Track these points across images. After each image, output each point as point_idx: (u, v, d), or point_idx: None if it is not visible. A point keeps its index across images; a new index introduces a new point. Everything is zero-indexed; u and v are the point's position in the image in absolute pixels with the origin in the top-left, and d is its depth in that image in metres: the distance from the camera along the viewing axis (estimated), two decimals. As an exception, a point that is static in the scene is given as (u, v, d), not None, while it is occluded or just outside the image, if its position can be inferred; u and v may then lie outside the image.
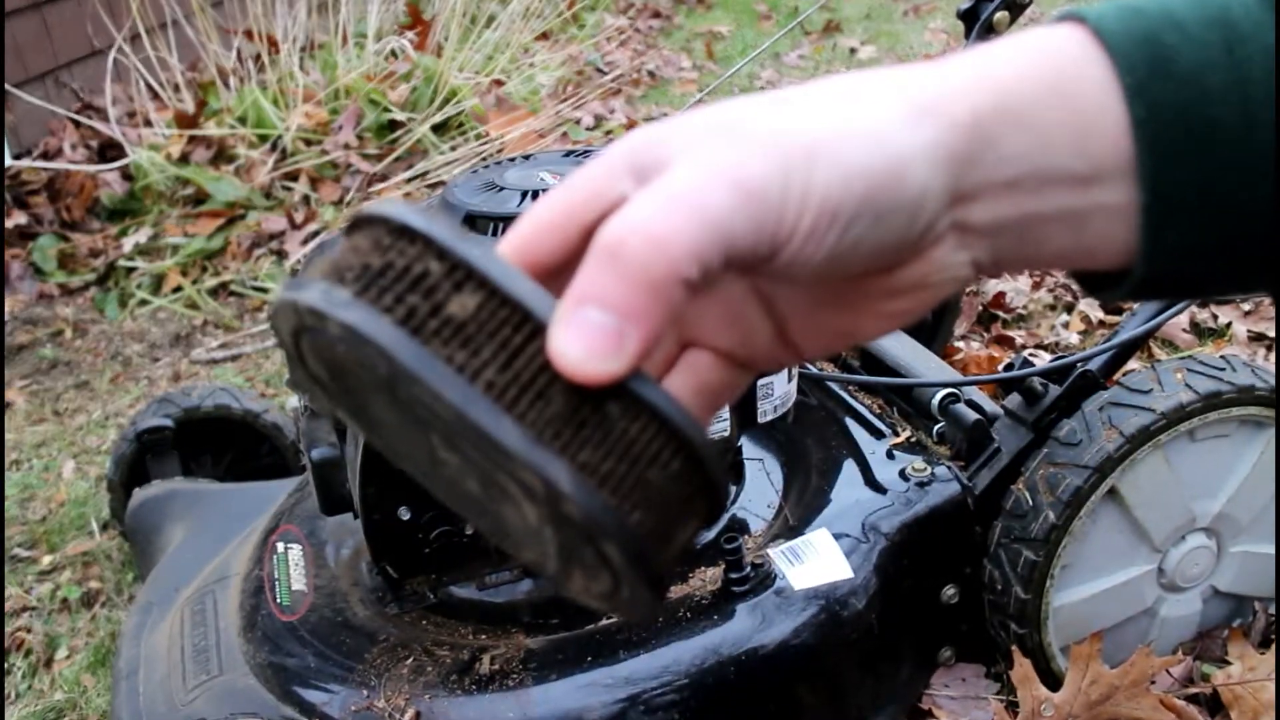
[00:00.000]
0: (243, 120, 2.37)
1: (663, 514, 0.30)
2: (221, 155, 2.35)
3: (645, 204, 0.29)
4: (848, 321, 0.36)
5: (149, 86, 2.50)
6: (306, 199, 2.26)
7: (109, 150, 2.41)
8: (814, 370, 1.14)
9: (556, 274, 0.32)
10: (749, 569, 0.90)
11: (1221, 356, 0.98)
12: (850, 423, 1.06)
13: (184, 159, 2.33)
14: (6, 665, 1.22)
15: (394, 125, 2.41)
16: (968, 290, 1.74)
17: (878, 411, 1.08)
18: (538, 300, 0.29)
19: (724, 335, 0.36)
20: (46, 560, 1.39)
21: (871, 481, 0.98)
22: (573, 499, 0.28)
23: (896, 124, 0.31)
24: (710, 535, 0.98)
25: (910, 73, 0.33)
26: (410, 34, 2.75)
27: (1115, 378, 0.99)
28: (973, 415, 1.00)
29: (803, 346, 0.37)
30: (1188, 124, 0.31)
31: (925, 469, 0.97)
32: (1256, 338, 1.58)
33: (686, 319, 0.36)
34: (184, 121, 2.38)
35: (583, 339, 0.28)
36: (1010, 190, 0.32)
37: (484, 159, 2.35)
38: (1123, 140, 0.32)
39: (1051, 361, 1.01)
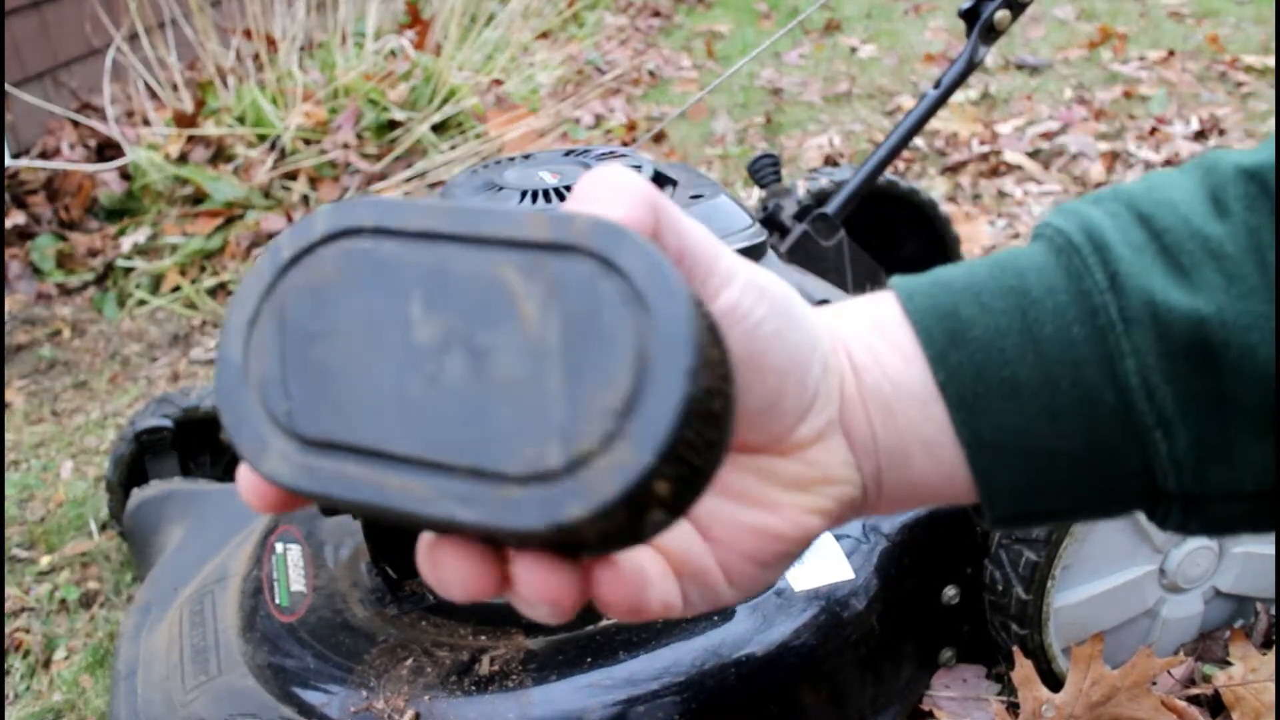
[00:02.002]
0: (241, 120, 2.37)
1: None
2: (220, 155, 2.35)
3: None
4: (754, 519, 0.37)
5: (147, 86, 2.49)
6: (305, 199, 2.26)
7: (107, 150, 2.41)
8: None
9: None
10: (749, 570, 0.90)
11: (1223, 356, 0.97)
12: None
13: (182, 158, 2.32)
14: (5, 666, 1.22)
15: (393, 124, 2.41)
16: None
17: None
18: None
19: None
20: (45, 561, 1.39)
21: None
22: None
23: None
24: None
25: None
26: (409, 33, 2.74)
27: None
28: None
29: (722, 552, 0.37)
30: (987, 384, 0.35)
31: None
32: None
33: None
34: (182, 121, 2.37)
35: None
36: (880, 409, 0.36)
37: (483, 158, 2.34)
38: (936, 399, 0.36)
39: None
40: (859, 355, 0.37)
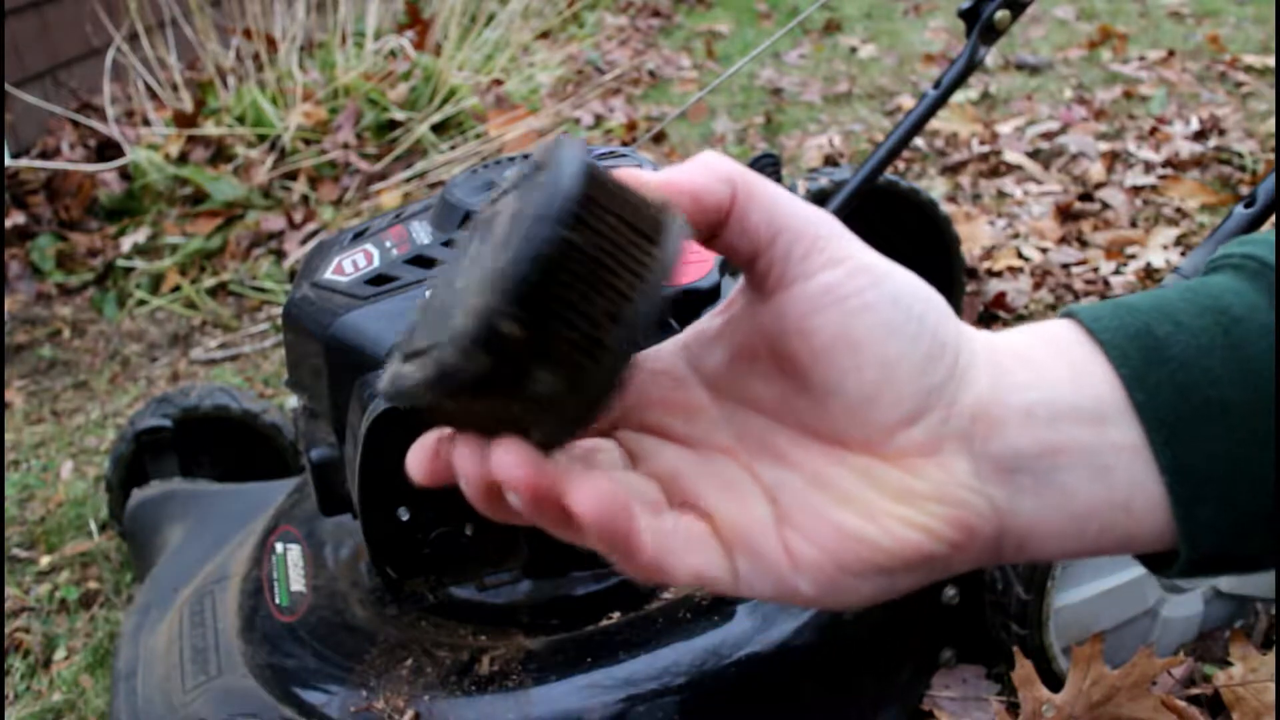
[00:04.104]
0: (241, 119, 2.36)
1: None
2: (220, 155, 2.35)
3: None
4: (842, 516, 0.35)
5: (147, 86, 2.49)
6: (305, 198, 2.26)
7: (107, 149, 2.41)
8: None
9: None
10: (749, 570, 0.90)
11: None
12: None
13: (182, 158, 2.32)
14: (5, 666, 1.22)
15: (393, 124, 2.41)
16: (969, 290, 1.74)
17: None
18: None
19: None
20: (45, 561, 1.39)
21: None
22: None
23: None
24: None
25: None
26: (409, 33, 2.74)
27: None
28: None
29: (799, 541, 0.35)
30: (1191, 405, 0.32)
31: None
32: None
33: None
34: (182, 121, 2.37)
35: None
36: (1027, 419, 0.33)
37: (483, 158, 2.34)
38: (1133, 425, 0.33)
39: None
40: (1018, 373, 0.34)
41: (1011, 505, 0.33)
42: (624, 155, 0.93)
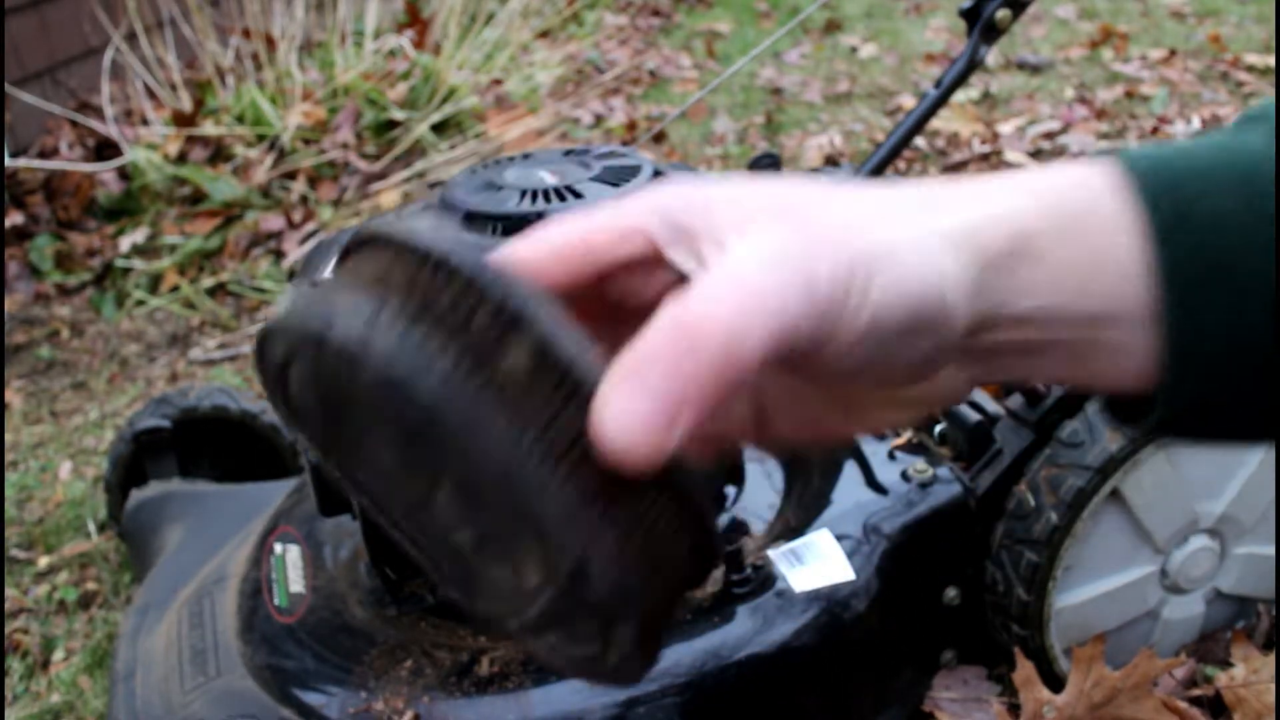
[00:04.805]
0: (240, 119, 2.36)
1: (673, 592, 0.30)
2: (219, 154, 2.34)
3: (724, 293, 0.29)
4: (835, 421, 0.36)
5: (146, 85, 2.49)
6: (305, 198, 2.25)
7: (106, 149, 2.40)
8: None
9: (563, 301, 0.32)
10: (749, 571, 0.90)
11: (1225, 357, 0.97)
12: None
13: (181, 158, 2.32)
14: (4, 667, 1.22)
15: (392, 124, 2.41)
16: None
17: (879, 412, 1.07)
18: (585, 361, 0.27)
19: None
20: (43, 561, 1.38)
21: (873, 482, 0.98)
22: (600, 585, 0.27)
23: (939, 249, 0.32)
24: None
25: (940, 197, 0.33)
26: (409, 32, 2.74)
27: (1118, 378, 0.98)
28: (975, 416, 0.99)
29: (779, 433, 0.37)
30: (1212, 271, 0.32)
31: (927, 470, 0.97)
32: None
33: None
34: (181, 120, 2.37)
35: (630, 419, 0.27)
36: (1019, 324, 0.33)
37: (483, 158, 2.34)
38: (1140, 286, 0.32)
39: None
40: (1018, 274, 0.33)
41: (984, 375, 0.35)
42: (624, 155, 0.93)
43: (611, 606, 0.27)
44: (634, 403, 0.27)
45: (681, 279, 0.32)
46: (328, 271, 0.30)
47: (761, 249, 0.30)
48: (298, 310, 0.28)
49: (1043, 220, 0.33)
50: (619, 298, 0.34)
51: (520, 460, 0.26)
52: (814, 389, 0.35)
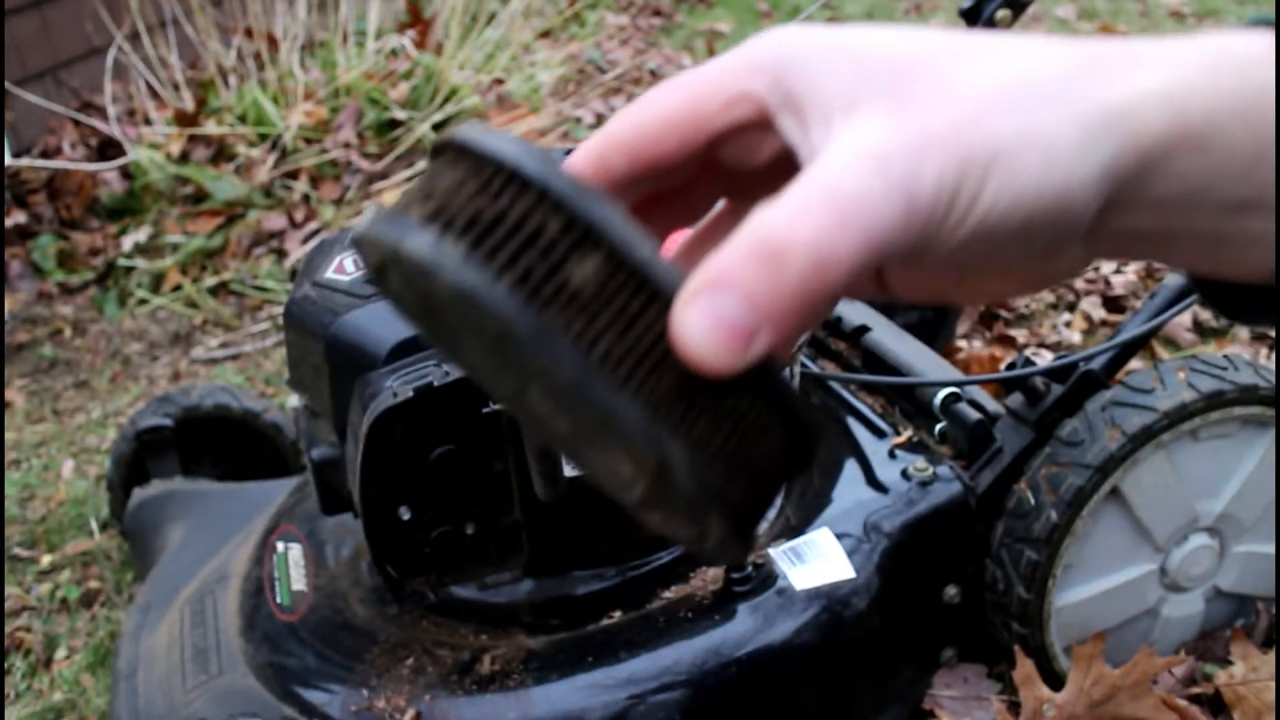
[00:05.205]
0: (242, 119, 2.36)
1: (767, 482, 0.30)
2: (221, 154, 2.34)
3: (814, 206, 0.27)
4: (947, 289, 0.34)
5: (148, 85, 2.49)
6: (306, 198, 2.25)
7: (108, 149, 2.41)
8: (815, 370, 1.14)
9: (659, 177, 0.31)
10: (750, 569, 0.90)
11: (1224, 356, 0.97)
12: (852, 422, 1.06)
13: (184, 158, 2.32)
14: (6, 665, 1.22)
15: (394, 124, 2.41)
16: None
17: (880, 411, 1.08)
18: (661, 269, 0.27)
19: None
20: (46, 560, 1.39)
21: (873, 481, 0.98)
22: (686, 481, 0.27)
23: (1074, 143, 0.28)
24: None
25: (1093, 63, 0.29)
26: (410, 32, 2.74)
27: (1118, 377, 0.99)
28: (975, 415, 0.99)
29: (894, 293, 0.35)
30: None
31: (927, 468, 0.97)
32: (1259, 337, 1.58)
33: None
34: (183, 120, 2.37)
35: (712, 329, 0.26)
36: (1160, 209, 0.30)
37: (484, 157, 2.34)
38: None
39: (1054, 361, 1.00)
40: (1182, 159, 0.29)
41: (1107, 255, 0.32)
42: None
43: (696, 503, 0.28)
44: (715, 316, 0.26)
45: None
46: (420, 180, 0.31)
47: (862, 147, 0.27)
48: (377, 224, 0.29)
49: (1217, 99, 0.28)
50: (732, 160, 0.33)
51: (593, 371, 0.27)
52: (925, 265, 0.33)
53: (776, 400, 0.29)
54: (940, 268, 0.32)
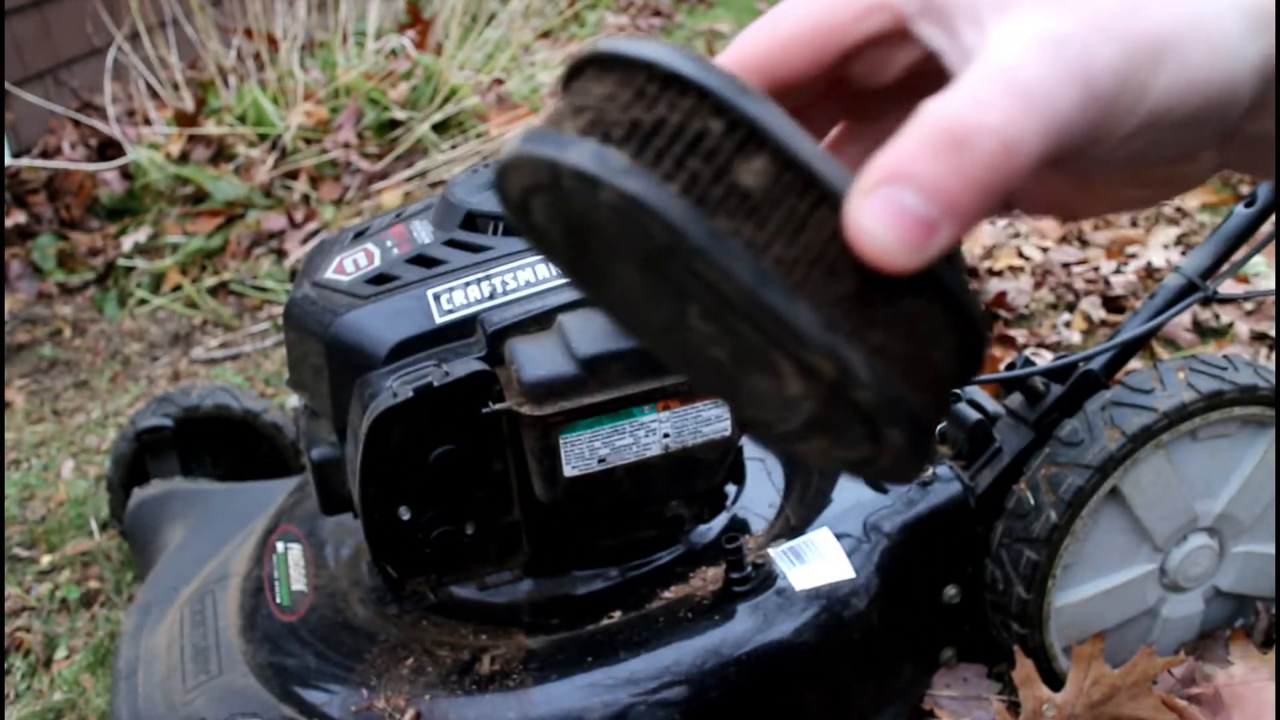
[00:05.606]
0: (242, 119, 2.37)
1: (941, 390, 0.29)
2: (221, 154, 2.35)
3: (994, 90, 0.26)
4: (1074, 200, 0.34)
5: (148, 85, 2.49)
6: (306, 198, 2.26)
7: (108, 149, 2.41)
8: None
9: (785, 96, 0.30)
10: (750, 569, 0.90)
11: (1224, 356, 0.97)
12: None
13: (183, 158, 2.32)
14: (6, 665, 1.22)
15: (394, 124, 2.41)
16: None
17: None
18: (830, 167, 0.26)
19: None
20: (46, 560, 1.39)
21: (873, 481, 0.98)
22: (868, 387, 0.26)
23: (1238, 34, 0.27)
24: (711, 535, 0.98)
25: None
26: (410, 32, 2.74)
27: (1117, 377, 0.99)
28: (974, 415, 0.99)
29: (1018, 205, 0.34)
30: None
31: (927, 469, 0.97)
32: (1259, 337, 1.58)
33: None
34: (183, 120, 2.37)
35: (892, 223, 0.25)
36: None
37: (484, 158, 2.34)
38: None
39: (1053, 361, 1.00)
40: None
41: (1233, 163, 0.32)
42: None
43: (878, 412, 0.27)
44: (896, 209, 0.25)
45: (930, 58, 0.29)
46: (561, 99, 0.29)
47: (1030, 34, 0.26)
48: (531, 141, 0.27)
49: None
50: (861, 77, 0.32)
51: (767, 276, 0.26)
52: (1059, 172, 0.32)
53: (952, 299, 0.28)
54: (1088, 168, 0.31)
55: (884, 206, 0.25)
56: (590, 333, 0.80)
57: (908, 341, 0.27)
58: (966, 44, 0.28)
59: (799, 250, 0.26)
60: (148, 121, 2.44)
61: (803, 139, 0.26)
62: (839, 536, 0.93)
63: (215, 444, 1.36)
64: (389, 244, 0.91)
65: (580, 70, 0.29)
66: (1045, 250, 1.87)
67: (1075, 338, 1.64)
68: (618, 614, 0.91)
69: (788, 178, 0.26)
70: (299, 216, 2.21)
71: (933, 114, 0.26)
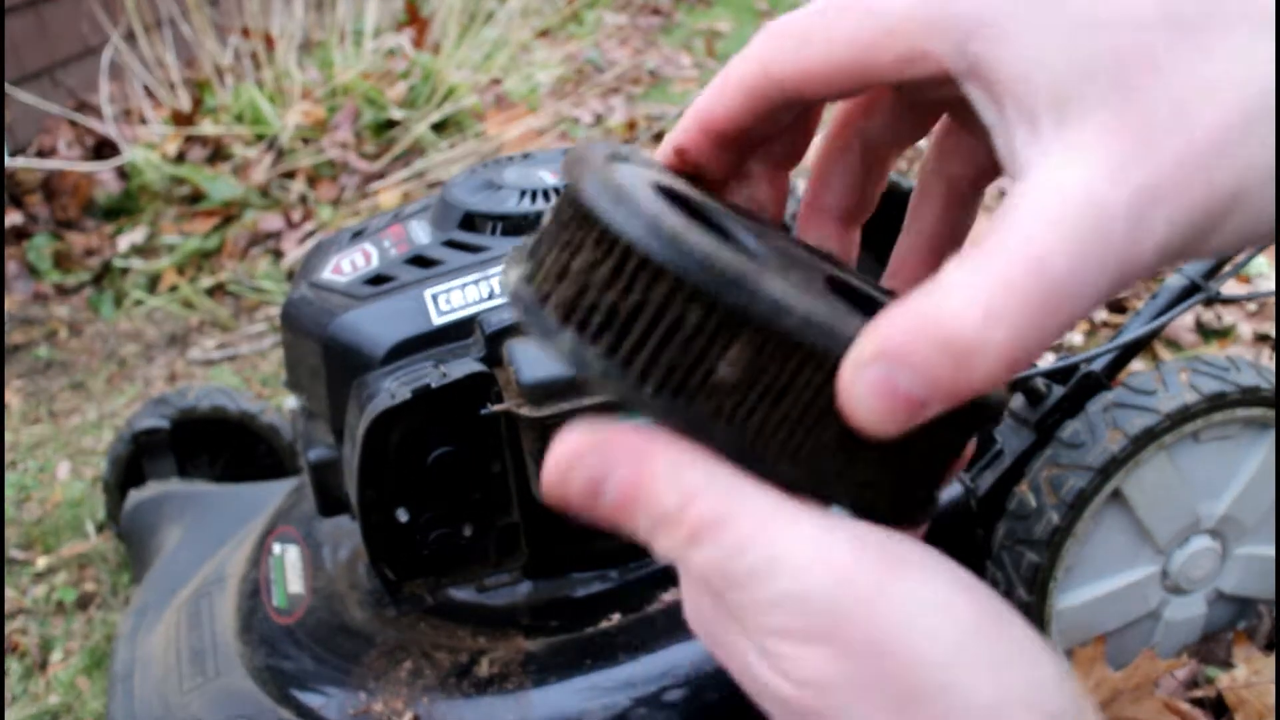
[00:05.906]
0: (239, 119, 2.36)
1: (939, 473, 0.31)
2: (218, 154, 2.34)
3: (1015, 296, 0.23)
4: None
5: (145, 85, 2.49)
6: (304, 198, 2.25)
7: (104, 149, 2.40)
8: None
9: (811, 100, 0.30)
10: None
11: (1226, 357, 0.97)
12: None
13: (180, 158, 2.32)
14: (2, 668, 1.21)
15: (392, 124, 2.41)
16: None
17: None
18: (816, 332, 0.26)
19: None
20: (42, 562, 1.38)
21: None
22: (876, 518, 0.29)
23: None
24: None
25: None
26: (408, 31, 2.74)
27: (1119, 378, 0.98)
28: (975, 416, 0.99)
29: None
30: None
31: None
32: (1261, 338, 1.58)
33: None
34: (180, 120, 2.37)
35: (883, 398, 0.25)
36: None
37: (482, 158, 2.34)
38: None
39: (1055, 362, 1.00)
40: None
41: None
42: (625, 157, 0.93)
43: (893, 522, 0.29)
44: (888, 387, 0.25)
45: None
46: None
47: (1078, 196, 0.23)
48: (518, 305, 0.28)
49: None
50: (915, 97, 0.31)
51: (751, 453, 0.27)
52: None
53: (947, 428, 0.29)
54: None
55: (879, 381, 0.25)
56: (589, 334, 0.79)
57: (900, 464, 0.29)
58: (1016, 148, 0.25)
59: (782, 412, 0.27)
60: (144, 121, 2.43)
61: (786, 305, 0.26)
62: (839, 538, 0.93)
63: (212, 445, 1.35)
64: (387, 244, 0.90)
65: (569, 203, 0.28)
66: (1045, 250, 1.86)
67: (1077, 339, 1.63)
68: (617, 616, 0.90)
69: (770, 349, 0.26)
70: (296, 217, 2.20)
71: (940, 308, 0.24)
